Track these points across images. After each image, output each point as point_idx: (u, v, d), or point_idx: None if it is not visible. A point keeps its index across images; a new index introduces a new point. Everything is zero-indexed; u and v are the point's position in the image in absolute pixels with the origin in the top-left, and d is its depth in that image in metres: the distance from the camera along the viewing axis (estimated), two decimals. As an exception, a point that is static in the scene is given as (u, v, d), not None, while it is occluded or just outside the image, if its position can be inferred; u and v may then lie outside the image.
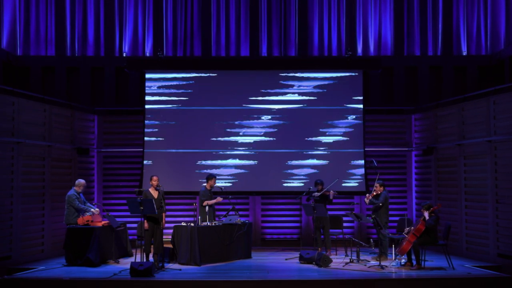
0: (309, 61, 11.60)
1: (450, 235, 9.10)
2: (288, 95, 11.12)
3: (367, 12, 12.39)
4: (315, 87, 11.15)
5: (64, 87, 12.06)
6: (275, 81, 11.15)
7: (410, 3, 12.41)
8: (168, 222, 9.74)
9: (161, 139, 11.06)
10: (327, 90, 11.11)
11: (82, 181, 9.14)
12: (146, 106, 11.12)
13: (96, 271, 8.19)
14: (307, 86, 11.14)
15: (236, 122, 11.08)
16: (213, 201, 9.40)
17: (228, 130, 11.07)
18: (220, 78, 11.17)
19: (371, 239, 9.97)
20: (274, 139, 11.05)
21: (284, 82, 11.17)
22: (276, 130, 11.07)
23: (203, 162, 11.03)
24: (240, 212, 10.51)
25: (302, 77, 11.15)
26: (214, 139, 11.06)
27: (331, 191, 9.60)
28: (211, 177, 9.49)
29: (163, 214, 8.60)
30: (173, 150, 11.07)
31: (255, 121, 11.08)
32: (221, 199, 9.53)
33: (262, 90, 11.13)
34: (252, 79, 11.14)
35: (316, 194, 9.60)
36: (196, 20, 12.35)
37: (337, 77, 11.16)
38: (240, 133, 11.02)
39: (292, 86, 11.15)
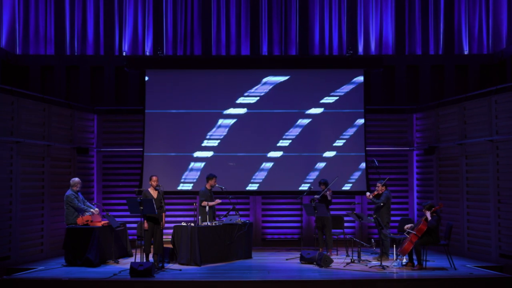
0: (310, 60, 11.55)
1: (452, 235, 9.06)
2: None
3: (368, 10, 12.34)
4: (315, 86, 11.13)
5: (64, 86, 12.01)
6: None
7: (412, 2, 12.36)
8: (168, 222, 9.71)
9: (161, 138, 11.00)
10: (327, 88, 11.08)
11: (76, 179, 9.09)
12: (146, 105, 11.06)
13: (96, 271, 8.14)
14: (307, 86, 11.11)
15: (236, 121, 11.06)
16: (212, 203, 9.31)
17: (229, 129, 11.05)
18: (220, 77, 11.11)
19: (372, 239, 9.92)
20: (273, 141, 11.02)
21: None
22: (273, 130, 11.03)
23: (203, 162, 10.99)
24: (241, 212, 10.47)
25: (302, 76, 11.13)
26: (213, 138, 11.01)
27: (328, 192, 9.55)
28: (211, 177, 9.43)
29: (163, 214, 8.56)
30: (173, 154, 11.02)
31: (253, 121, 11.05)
32: (220, 201, 9.44)
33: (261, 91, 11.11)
34: (253, 78, 11.09)
35: (316, 196, 9.55)
36: (196, 18, 12.30)
37: (338, 75, 11.12)
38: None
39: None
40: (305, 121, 11.01)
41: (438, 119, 10.66)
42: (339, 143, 10.98)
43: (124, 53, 12.22)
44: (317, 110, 11.03)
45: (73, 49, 12.27)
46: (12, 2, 12.14)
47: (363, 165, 10.93)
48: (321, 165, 10.94)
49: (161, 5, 12.22)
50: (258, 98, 11.06)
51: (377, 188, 9.24)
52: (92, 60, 12.11)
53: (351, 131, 11.01)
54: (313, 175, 10.87)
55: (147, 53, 12.24)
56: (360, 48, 12.28)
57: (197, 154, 10.99)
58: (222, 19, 12.29)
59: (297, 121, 11.01)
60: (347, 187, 10.90)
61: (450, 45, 12.25)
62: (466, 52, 12.26)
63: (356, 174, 10.96)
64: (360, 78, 11.08)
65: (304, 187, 10.69)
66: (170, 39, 12.28)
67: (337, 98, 11.05)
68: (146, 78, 11.14)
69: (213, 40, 12.26)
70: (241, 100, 11.06)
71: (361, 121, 11.02)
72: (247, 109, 11.05)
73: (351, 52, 11.23)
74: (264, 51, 12.20)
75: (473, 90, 11.35)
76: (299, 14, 12.26)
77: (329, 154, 10.96)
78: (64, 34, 12.20)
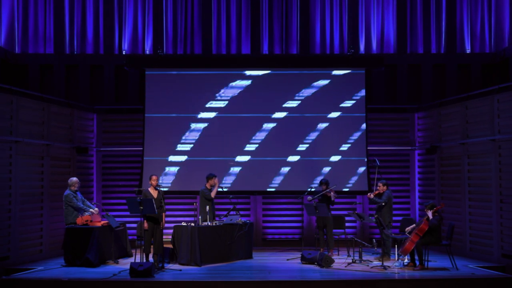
0: (311, 59, 11.48)
1: (454, 235, 8.99)
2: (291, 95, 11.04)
3: (370, 9, 12.28)
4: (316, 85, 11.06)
5: (63, 85, 11.96)
6: (277, 80, 11.04)
7: (413, 0, 12.29)
8: (168, 222, 9.66)
9: (160, 139, 10.93)
10: (329, 88, 11.00)
11: (74, 179, 9.04)
12: (146, 106, 10.99)
13: (95, 271, 8.10)
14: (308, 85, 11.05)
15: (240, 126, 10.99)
16: (214, 191, 9.26)
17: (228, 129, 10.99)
18: (220, 76, 11.05)
19: (374, 239, 9.87)
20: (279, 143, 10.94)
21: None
22: (273, 134, 10.93)
23: (204, 163, 10.93)
24: (241, 212, 10.41)
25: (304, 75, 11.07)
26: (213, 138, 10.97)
27: (332, 192, 9.49)
28: (211, 177, 9.38)
29: (163, 214, 8.51)
30: (173, 154, 10.97)
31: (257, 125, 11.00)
32: (218, 188, 9.37)
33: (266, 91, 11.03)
34: (254, 78, 11.03)
35: (312, 197, 9.47)
36: (196, 17, 12.23)
37: (339, 75, 11.05)
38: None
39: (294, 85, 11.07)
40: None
41: (440, 118, 10.60)
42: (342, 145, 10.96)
43: (124, 52, 12.17)
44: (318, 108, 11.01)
45: (72, 48, 12.21)
46: (11, 1, 12.08)
47: (364, 165, 10.87)
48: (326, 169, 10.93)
49: (161, 3, 12.16)
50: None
51: (378, 187, 9.18)
52: (91, 59, 12.05)
53: (351, 130, 10.95)
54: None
55: (147, 52, 12.18)
56: (362, 47, 12.22)
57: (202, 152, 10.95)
58: (222, 17, 12.22)
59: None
60: (348, 187, 10.87)
61: (452, 44, 12.18)
62: (468, 51, 12.20)
63: (356, 174, 10.90)
64: (362, 77, 11.04)
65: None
66: (170, 38, 12.21)
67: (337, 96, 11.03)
68: (146, 78, 11.05)
69: (214, 39, 12.20)
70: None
71: (362, 120, 10.96)
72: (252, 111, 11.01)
73: (353, 51, 11.17)
74: (265, 49, 12.14)
75: (475, 89, 11.29)
76: (300, 12, 12.20)
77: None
78: (64, 33, 12.14)
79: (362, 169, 10.87)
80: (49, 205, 9.71)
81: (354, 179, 10.87)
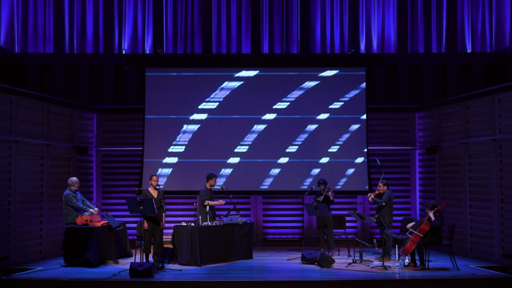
0: (312, 59, 11.46)
1: (455, 235, 8.97)
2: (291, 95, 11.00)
3: (370, 8, 12.25)
4: (316, 85, 11.02)
5: (63, 84, 11.93)
6: (278, 80, 11.00)
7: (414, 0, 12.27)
8: (168, 222, 9.65)
9: (160, 138, 10.90)
10: (329, 88, 10.97)
11: (74, 178, 9.02)
12: (146, 106, 10.95)
13: (95, 271, 8.08)
14: (308, 84, 11.02)
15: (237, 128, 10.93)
16: (215, 203, 9.26)
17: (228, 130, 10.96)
18: (220, 77, 11.02)
19: (374, 239, 9.84)
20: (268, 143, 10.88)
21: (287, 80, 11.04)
22: (269, 134, 10.90)
23: (204, 164, 10.90)
24: (241, 212, 10.39)
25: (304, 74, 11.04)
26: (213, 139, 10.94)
27: (330, 192, 9.46)
28: (211, 176, 9.35)
29: (163, 214, 8.49)
30: (175, 152, 10.95)
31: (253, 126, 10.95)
32: (223, 202, 9.37)
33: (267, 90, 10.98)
34: (254, 77, 11.00)
35: (320, 198, 9.44)
36: (196, 16, 12.21)
37: (339, 74, 11.02)
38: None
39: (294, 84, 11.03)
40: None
41: (441, 118, 10.57)
42: (340, 141, 10.93)
43: (123, 51, 12.14)
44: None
45: (72, 47, 12.18)
46: (11, 0, 12.05)
47: (364, 164, 10.85)
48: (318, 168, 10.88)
49: (161, 2, 12.13)
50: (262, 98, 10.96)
51: (378, 187, 9.16)
52: (91, 58, 12.02)
53: (352, 131, 10.92)
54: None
55: (147, 52, 12.15)
56: (362, 47, 12.19)
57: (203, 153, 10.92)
58: (222, 17, 12.19)
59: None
60: (348, 187, 10.84)
61: (453, 43, 12.16)
62: (469, 51, 12.17)
63: (357, 174, 10.88)
64: (362, 77, 11.01)
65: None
66: (170, 37, 12.19)
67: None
68: (146, 80, 11.00)
69: (214, 39, 12.17)
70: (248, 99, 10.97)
71: (363, 120, 10.93)
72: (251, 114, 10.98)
73: (353, 50, 11.14)
74: (265, 49, 12.11)
75: (476, 88, 11.27)
76: (300, 12, 12.17)
77: (328, 155, 10.89)
78: (63, 32, 12.12)
79: (361, 168, 10.84)
80: (49, 205, 9.69)
81: (353, 178, 10.83)
